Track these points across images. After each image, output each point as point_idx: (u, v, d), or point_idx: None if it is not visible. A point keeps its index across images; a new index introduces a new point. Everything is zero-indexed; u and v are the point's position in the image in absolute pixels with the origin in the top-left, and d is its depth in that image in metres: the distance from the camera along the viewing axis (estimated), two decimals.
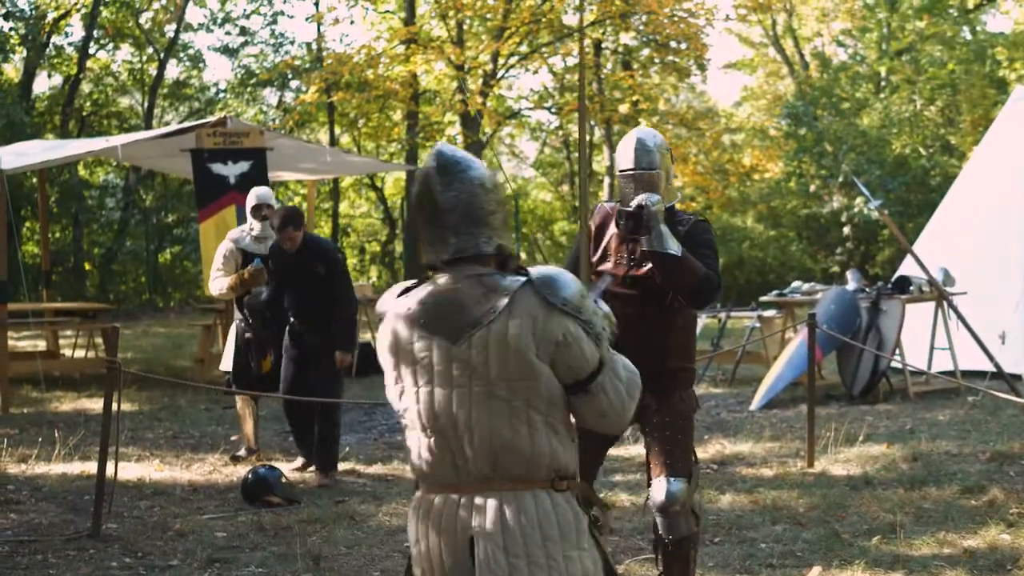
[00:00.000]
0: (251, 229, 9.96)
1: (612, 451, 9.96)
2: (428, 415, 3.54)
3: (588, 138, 38.95)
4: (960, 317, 12.62)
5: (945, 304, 12.85)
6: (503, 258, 3.63)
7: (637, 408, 5.43)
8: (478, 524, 3.48)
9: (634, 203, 5.48)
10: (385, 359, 3.66)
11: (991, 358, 12.44)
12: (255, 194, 10.08)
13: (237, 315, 9.98)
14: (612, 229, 5.70)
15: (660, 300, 5.54)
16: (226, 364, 10.12)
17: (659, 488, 5.47)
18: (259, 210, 9.90)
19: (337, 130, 34.30)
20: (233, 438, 10.84)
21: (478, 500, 3.49)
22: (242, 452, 10.09)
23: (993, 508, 7.75)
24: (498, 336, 3.45)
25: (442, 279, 3.59)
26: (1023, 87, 17.95)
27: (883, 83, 35.12)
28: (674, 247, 5.39)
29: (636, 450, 10.09)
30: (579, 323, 3.50)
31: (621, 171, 5.75)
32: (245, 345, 9.72)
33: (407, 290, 3.66)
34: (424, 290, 3.60)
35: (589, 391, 3.52)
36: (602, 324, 3.56)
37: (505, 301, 3.48)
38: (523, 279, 3.52)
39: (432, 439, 3.55)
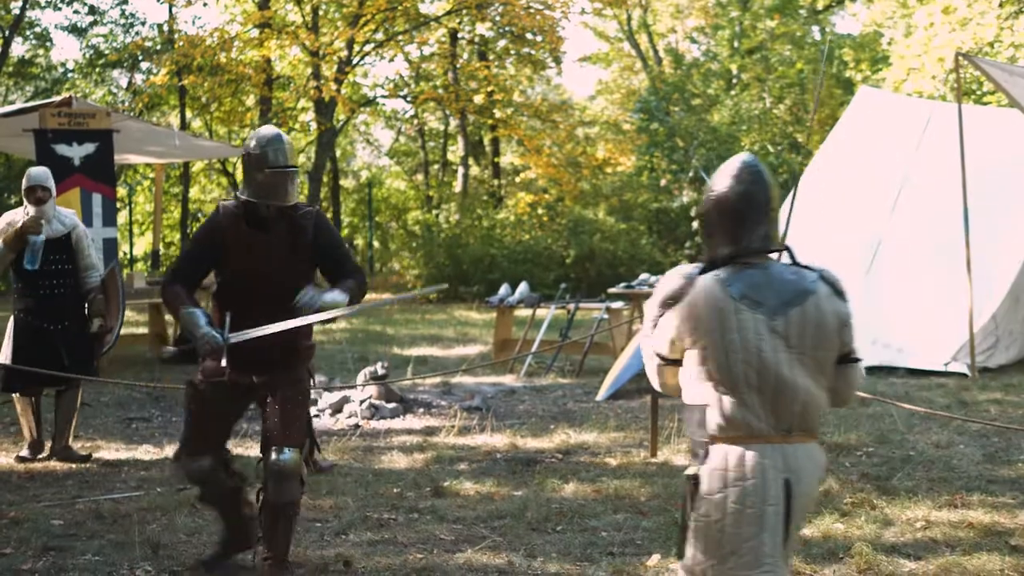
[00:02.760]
0: (27, 212, 9.17)
1: (458, 440, 10.04)
2: (750, 375, 4.13)
3: (442, 128, 39.03)
4: None
5: None
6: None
7: (257, 382, 6.10)
8: (793, 468, 4.15)
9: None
10: (691, 326, 4.20)
11: None
12: (29, 175, 9.30)
13: (18, 305, 9.23)
14: (242, 228, 6.11)
15: (297, 288, 6.01)
16: (4, 357, 9.31)
17: (278, 456, 5.97)
18: (33, 192, 9.16)
19: (189, 114, 33.80)
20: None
21: (788, 448, 4.16)
22: (26, 452, 9.42)
23: (828, 498, 7.91)
24: (812, 314, 4.20)
25: (757, 264, 4.25)
26: (868, 87, 18.39)
27: (734, 80, 35.71)
28: (340, 297, 6.04)
29: (482, 439, 10.14)
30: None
31: (277, 167, 6.06)
32: (33, 336, 9.13)
33: (704, 271, 4.25)
34: (742, 271, 4.21)
35: (854, 365, 4.34)
36: None
37: (812, 287, 4.23)
38: (816, 271, 4.29)
39: (748, 396, 4.14)
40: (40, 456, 9.39)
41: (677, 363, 4.33)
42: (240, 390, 6.18)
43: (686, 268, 4.33)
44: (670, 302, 4.29)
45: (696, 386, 4.24)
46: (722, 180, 4.28)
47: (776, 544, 4.15)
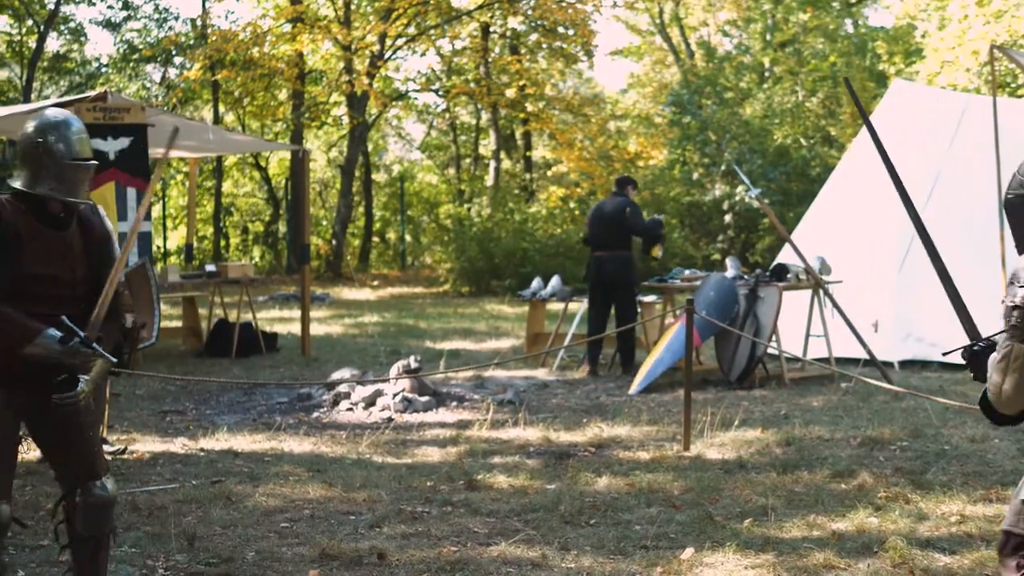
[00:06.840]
0: None
1: (491, 433, 10.06)
2: None
3: (474, 122, 39.04)
4: (835, 305, 12.85)
5: (821, 292, 13.08)
6: None
7: (33, 405, 5.22)
8: None
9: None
10: None
11: (864, 346, 12.68)
12: None
13: None
14: (35, 226, 5.20)
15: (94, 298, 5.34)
16: None
17: (97, 488, 5.44)
18: None
19: (222, 108, 33.94)
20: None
21: None
22: None
23: (862, 492, 7.91)
24: None
25: None
26: (901, 80, 18.30)
27: (766, 74, 35.55)
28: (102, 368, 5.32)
29: (515, 432, 10.15)
30: None
31: (79, 160, 5.22)
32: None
33: None
34: None
35: None
36: None
37: None
38: None
39: None
40: None
41: None
42: (17, 415, 5.34)
43: None
44: None
45: None
46: None
47: None
